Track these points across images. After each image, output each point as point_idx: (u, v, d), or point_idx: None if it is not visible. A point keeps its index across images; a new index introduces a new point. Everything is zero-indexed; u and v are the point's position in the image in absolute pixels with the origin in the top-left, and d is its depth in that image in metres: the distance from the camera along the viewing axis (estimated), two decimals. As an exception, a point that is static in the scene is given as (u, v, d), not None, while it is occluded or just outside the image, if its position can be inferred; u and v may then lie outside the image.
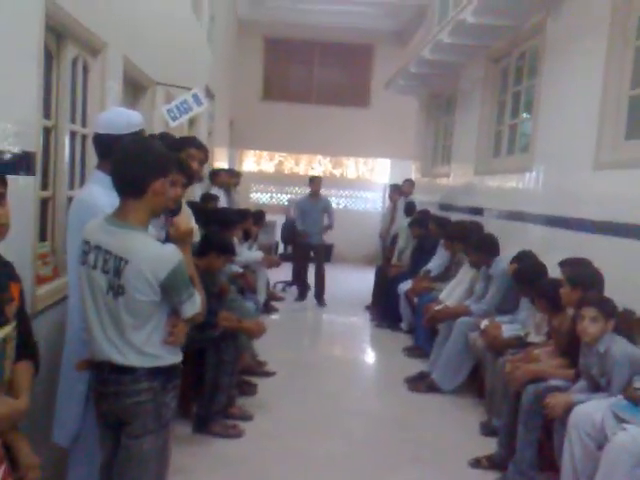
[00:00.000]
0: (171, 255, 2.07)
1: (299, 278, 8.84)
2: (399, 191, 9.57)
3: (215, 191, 7.66)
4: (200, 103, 5.59)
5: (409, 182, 9.46)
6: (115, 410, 2.16)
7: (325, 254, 8.82)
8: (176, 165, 2.25)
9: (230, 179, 8.44)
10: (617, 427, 2.85)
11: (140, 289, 2.04)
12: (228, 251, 4.26)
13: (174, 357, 2.19)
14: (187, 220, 2.27)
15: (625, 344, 3.21)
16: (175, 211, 2.70)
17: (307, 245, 8.61)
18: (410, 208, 8.50)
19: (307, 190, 8.93)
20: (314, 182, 8.71)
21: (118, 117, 2.70)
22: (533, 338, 4.28)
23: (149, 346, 2.11)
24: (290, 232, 9.63)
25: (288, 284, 9.60)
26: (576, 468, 3.02)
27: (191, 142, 3.34)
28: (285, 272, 9.43)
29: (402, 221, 8.55)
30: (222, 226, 4.94)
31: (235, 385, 4.39)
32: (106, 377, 2.14)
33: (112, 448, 2.21)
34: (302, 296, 8.79)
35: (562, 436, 3.16)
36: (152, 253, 2.04)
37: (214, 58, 9.23)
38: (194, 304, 2.15)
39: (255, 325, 4.31)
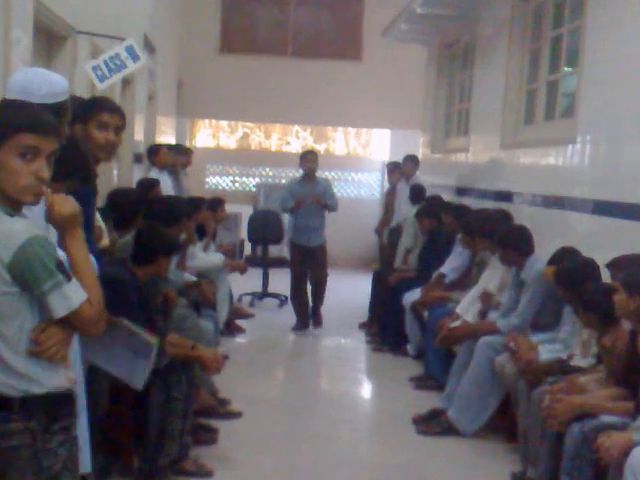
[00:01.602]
0: (19, 231, 2.02)
1: (298, 297, 8.40)
2: (399, 171, 9.54)
3: (156, 174, 7.65)
4: (136, 58, 5.59)
5: (411, 159, 9.36)
6: None
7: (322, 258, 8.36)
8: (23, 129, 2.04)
9: (177, 158, 8.40)
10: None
11: None
12: (175, 248, 4.33)
13: (56, 381, 2.12)
14: (69, 200, 2.16)
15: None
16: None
17: (304, 248, 8.27)
18: (417, 193, 8.46)
19: (294, 171, 8.66)
20: (308, 159, 8.22)
21: (38, 81, 2.71)
22: (579, 361, 4.30)
23: (17, 361, 2.06)
24: (268, 228, 9.66)
25: (258, 296, 9.61)
26: (636, 528, 3.05)
27: (101, 105, 3.35)
28: (254, 280, 9.42)
29: (406, 211, 8.57)
30: (166, 221, 4.94)
31: (189, 431, 4.36)
32: None
33: None
34: (303, 323, 8.35)
35: (618, 488, 3.18)
36: None
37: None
38: (65, 298, 2.04)
39: (211, 355, 4.29)
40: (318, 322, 8.40)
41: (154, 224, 4.60)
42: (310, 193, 8.18)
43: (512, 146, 7.24)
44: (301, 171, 8.44)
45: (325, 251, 8.39)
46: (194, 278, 5.99)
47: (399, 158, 10.02)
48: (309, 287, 8.41)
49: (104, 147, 3.28)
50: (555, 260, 4.75)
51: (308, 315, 8.39)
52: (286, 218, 8.98)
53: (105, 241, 4.00)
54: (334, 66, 13.12)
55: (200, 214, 6.52)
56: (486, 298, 5.49)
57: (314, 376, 6.87)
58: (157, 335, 3.76)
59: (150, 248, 4.21)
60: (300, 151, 10.06)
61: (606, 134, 5.34)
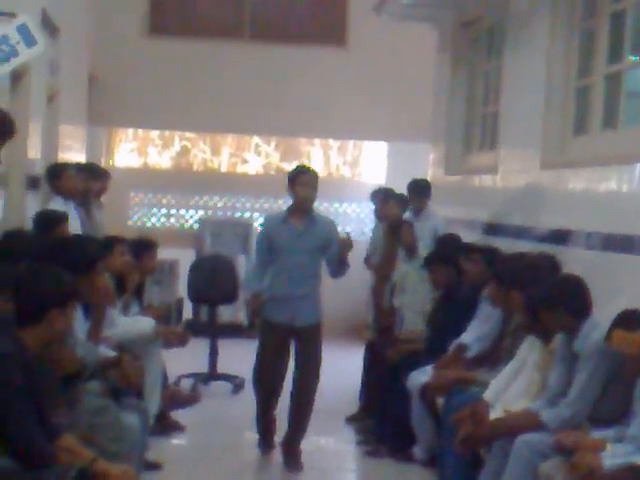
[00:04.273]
0: None
1: (265, 406, 7.47)
2: (401, 202, 9.38)
3: (60, 205, 7.69)
4: (32, 42, 5.59)
5: (418, 187, 9.00)
6: None
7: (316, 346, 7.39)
8: None
9: (88, 183, 8.45)
10: None
11: None
12: (73, 294, 4.21)
13: None
14: None
15: None
16: None
17: (284, 329, 7.26)
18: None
19: (276, 202, 8.41)
20: (302, 181, 7.13)
21: None
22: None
23: None
24: (217, 282, 9.61)
25: (203, 379, 9.53)
26: None
27: None
28: (197, 356, 9.33)
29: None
30: (71, 269, 4.75)
31: None
32: None
33: None
34: (268, 443, 7.52)
35: None
36: None
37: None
38: None
39: (121, 476, 4.01)
40: (294, 462, 7.23)
41: (39, 265, 4.54)
42: (302, 240, 7.17)
43: (558, 165, 7.30)
44: (283, 202, 8.18)
45: (319, 334, 7.44)
46: (113, 353, 5.92)
47: (399, 183, 9.79)
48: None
49: None
50: (620, 323, 4.68)
51: (272, 439, 7.55)
52: (243, 266, 8.86)
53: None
54: (309, 54, 13.19)
55: (114, 260, 6.52)
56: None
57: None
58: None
59: (34, 298, 4.06)
60: (261, 172, 9.97)
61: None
